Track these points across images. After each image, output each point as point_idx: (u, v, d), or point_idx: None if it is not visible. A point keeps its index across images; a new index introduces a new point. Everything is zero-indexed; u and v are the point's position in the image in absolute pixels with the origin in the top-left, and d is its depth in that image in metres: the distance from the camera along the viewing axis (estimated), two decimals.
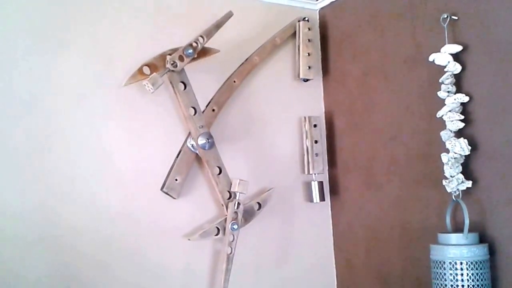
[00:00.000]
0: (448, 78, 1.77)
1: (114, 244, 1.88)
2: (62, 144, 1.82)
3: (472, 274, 1.63)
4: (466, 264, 1.63)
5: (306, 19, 2.31)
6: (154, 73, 1.86)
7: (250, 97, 2.22)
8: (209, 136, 2.00)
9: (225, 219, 2.01)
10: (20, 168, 1.74)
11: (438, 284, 1.68)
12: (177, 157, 2.00)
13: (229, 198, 2.04)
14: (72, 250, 1.80)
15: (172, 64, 1.91)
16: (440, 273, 1.67)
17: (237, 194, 2.03)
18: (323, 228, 2.37)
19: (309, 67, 2.28)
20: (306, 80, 2.33)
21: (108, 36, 1.94)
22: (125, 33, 1.97)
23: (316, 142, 2.29)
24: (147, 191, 1.96)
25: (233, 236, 2.00)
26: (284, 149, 2.29)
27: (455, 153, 1.73)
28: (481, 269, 1.63)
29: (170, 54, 1.95)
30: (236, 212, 2.01)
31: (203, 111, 2.05)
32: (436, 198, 1.88)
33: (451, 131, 1.76)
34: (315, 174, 2.27)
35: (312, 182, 2.26)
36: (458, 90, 1.78)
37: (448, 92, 1.77)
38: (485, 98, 1.73)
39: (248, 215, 2.09)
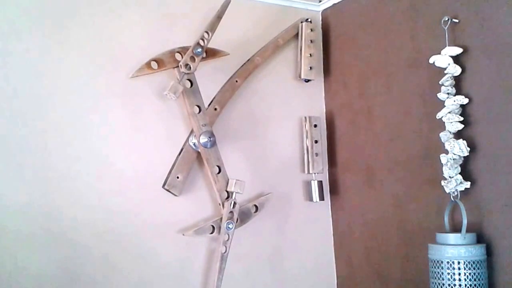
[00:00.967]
0: (448, 80, 1.79)
1: (114, 239, 1.90)
2: (64, 141, 1.83)
3: (470, 273, 1.65)
4: (464, 264, 1.65)
5: (309, 20, 2.34)
6: (173, 82, 1.90)
7: (251, 97, 2.24)
8: (211, 135, 2.01)
9: (221, 218, 2.03)
10: (22, 164, 1.76)
11: (435, 283, 1.70)
12: (179, 155, 2.02)
13: (226, 198, 2.05)
14: (73, 245, 1.82)
15: (186, 67, 1.94)
16: (438, 272, 1.69)
17: (234, 194, 2.04)
18: (323, 228, 2.38)
19: (311, 68, 2.30)
20: (307, 81, 2.34)
21: (111, 33, 1.95)
22: (129, 30, 1.99)
23: (316, 142, 2.30)
24: (148, 189, 1.97)
25: (228, 235, 2.01)
26: (284, 149, 2.30)
27: (454, 154, 1.75)
28: (478, 269, 1.65)
29: (179, 52, 1.98)
30: (232, 212, 2.02)
31: (206, 109, 2.06)
32: (434, 198, 1.89)
33: (450, 132, 1.78)
34: (315, 173, 2.29)
35: (312, 182, 2.28)
36: (458, 92, 1.80)
37: (448, 94, 1.79)
38: (484, 100, 1.75)
39: (245, 216, 2.11)
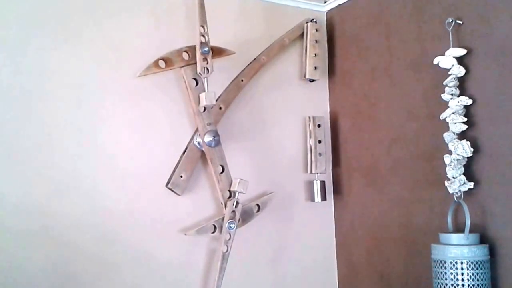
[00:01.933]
0: (452, 81, 1.80)
1: (114, 238, 1.90)
2: (67, 139, 1.84)
3: (472, 274, 1.65)
4: (467, 264, 1.66)
5: (314, 20, 2.34)
6: (206, 93, 1.96)
7: (256, 96, 2.24)
8: (216, 134, 2.02)
9: (223, 218, 2.03)
10: (24, 163, 1.76)
11: (438, 283, 1.71)
12: (183, 154, 2.03)
13: (229, 197, 2.06)
14: (72, 243, 1.82)
15: (206, 71, 1.98)
16: (441, 272, 1.70)
17: (236, 193, 2.04)
18: (325, 228, 2.39)
19: (316, 68, 2.31)
20: (312, 81, 2.35)
21: (116, 32, 1.96)
22: (134, 30, 1.99)
23: (319, 142, 2.31)
24: (151, 187, 1.98)
25: (230, 235, 2.02)
26: (288, 148, 2.31)
27: (458, 154, 1.75)
28: (481, 269, 1.66)
29: (186, 51, 1.99)
30: (234, 211, 2.03)
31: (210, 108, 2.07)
32: (438, 199, 1.90)
33: (454, 133, 1.79)
34: (317, 173, 2.29)
35: (314, 181, 2.28)
36: (462, 93, 1.80)
37: (452, 94, 1.80)
38: (488, 101, 1.76)
39: (247, 216, 2.11)
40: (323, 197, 2.28)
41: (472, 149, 1.75)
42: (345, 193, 2.36)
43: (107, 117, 1.92)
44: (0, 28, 1.77)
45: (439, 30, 1.91)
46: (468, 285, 1.65)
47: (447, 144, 1.79)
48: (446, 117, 1.80)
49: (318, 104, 2.41)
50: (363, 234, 2.25)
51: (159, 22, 2.04)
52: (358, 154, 2.28)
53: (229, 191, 2.06)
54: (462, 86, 1.82)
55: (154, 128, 2.00)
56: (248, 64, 2.19)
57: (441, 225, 1.86)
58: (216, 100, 2.08)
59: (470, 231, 1.71)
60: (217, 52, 2.06)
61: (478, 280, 1.65)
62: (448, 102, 1.80)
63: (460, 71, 1.80)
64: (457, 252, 1.68)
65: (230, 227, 2.01)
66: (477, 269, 1.66)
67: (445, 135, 1.80)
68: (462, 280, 1.66)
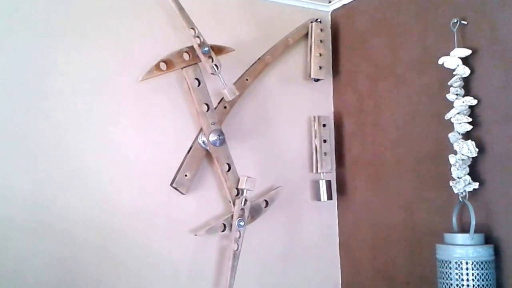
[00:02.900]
0: (457, 81, 1.80)
1: (122, 238, 1.91)
2: (73, 138, 1.85)
3: (478, 274, 1.65)
4: (472, 264, 1.66)
5: (319, 20, 2.34)
6: (229, 86, 2.00)
7: (261, 96, 2.25)
8: (220, 133, 2.03)
9: (232, 216, 2.04)
10: (33, 161, 1.77)
11: (444, 283, 1.71)
12: (187, 153, 2.03)
13: (237, 195, 2.07)
14: (79, 241, 1.83)
15: (216, 68, 1.98)
16: (446, 272, 1.70)
17: (244, 191, 2.06)
18: (329, 227, 2.39)
19: (320, 67, 2.31)
20: (316, 80, 2.35)
21: (124, 30, 1.97)
22: (142, 28, 2.00)
23: (324, 141, 2.31)
24: (156, 186, 1.98)
25: (240, 233, 2.03)
26: (293, 148, 2.31)
27: (463, 154, 1.75)
28: (486, 269, 1.66)
29: (186, 52, 1.99)
30: (243, 209, 2.04)
31: (215, 108, 2.08)
32: (443, 199, 1.90)
33: (459, 133, 1.79)
34: (323, 173, 2.29)
35: (320, 181, 2.28)
36: (467, 93, 1.81)
37: (457, 95, 1.80)
38: (493, 101, 1.76)
39: (255, 212, 2.12)
40: (329, 197, 2.28)
41: (477, 149, 1.75)
42: (349, 193, 2.36)
43: (114, 115, 1.92)
44: (8, 28, 1.78)
45: (444, 30, 1.91)
46: (473, 285, 1.65)
47: (452, 144, 1.79)
48: (451, 117, 1.80)
49: (322, 103, 2.41)
50: (367, 234, 2.25)
51: (165, 23, 2.04)
52: (362, 154, 2.28)
53: (237, 189, 2.07)
54: (467, 86, 1.82)
55: (159, 127, 2.01)
56: (253, 64, 2.19)
57: (446, 225, 1.86)
58: (221, 100, 2.10)
59: (475, 231, 1.71)
60: (216, 50, 2.04)
61: (483, 280, 1.65)
62: (453, 102, 1.80)
63: (465, 71, 1.80)
64: (462, 252, 1.68)
65: (240, 225, 2.02)
66: (482, 269, 1.66)
67: (450, 135, 1.81)
68: (467, 280, 1.66)
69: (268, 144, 2.25)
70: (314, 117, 2.32)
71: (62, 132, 1.83)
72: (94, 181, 1.87)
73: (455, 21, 1.84)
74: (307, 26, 2.34)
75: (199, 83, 2.02)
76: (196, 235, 2.01)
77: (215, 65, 1.98)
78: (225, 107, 2.10)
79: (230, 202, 2.07)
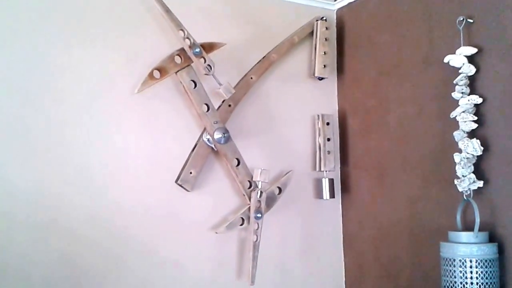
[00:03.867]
0: (462, 80, 1.80)
1: (126, 234, 1.92)
2: (78, 136, 1.85)
3: (482, 272, 1.66)
4: (476, 262, 1.66)
5: (324, 18, 2.35)
6: (225, 84, 1.98)
7: (265, 94, 2.25)
8: (225, 131, 2.03)
9: (249, 208, 2.06)
10: (38, 158, 1.78)
11: (447, 281, 1.71)
12: (192, 150, 2.03)
13: (249, 187, 2.08)
14: (84, 238, 1.84)
15: (209, 69, 1.97)
16: (450, 270, 1.70)
17: (259, 183, 2.08)
18: (333, 225, 2.39)
19: (325, 66, 2.31)
20: (321, 79, 2.36)
21: (129, 32, 1.98)
22: (146, 30, 2.01)
23: (328, 140, 2.31)
24: (161, 184, 1.99)
25: (258, 224, 2.06)
26: (296, 146, 2.32)
27: (468, 153, 1.76)
28: (490, 267, 1.66)
29: (178, 55, 1.96)
30: (259, 201, 2.06)
31: (220, 106, 2.08)
32: (447, 197, 1.90)
33: (464, 131, 1.79)
34: (326, 171, 2.30)
35: (323, 179, 2.29)
36: (472, 92, 1.81)
37: (462, 93, 1.80)
38: (498, 100, 1.76)
39: (270, 200, 2.14)
40: (332, 195, 2.29)
41: (482, 148, 1.75)
42: (353, 191, 2.36)
43: (118, 113, 1.93)
44: (13, 26, 1.79)
45: (449, 28, 1.91)
46: (477, 283, 1.65)
47: (457, 143, 1.79)
48: (456, 116, 1.81)
49: (327, 102, 2.42)
50: (371, 232, 2.25)
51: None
52: (366, 152, 2.29)
53: (249, 181, 2.08)
54: (473, 84, 1.82)
55: (164, 126, 2.02)
56: (258, 62, 2.19)
57: (450, 224, 1.86)
58: (225, 99, 2.10)
59: (479, 230, 1.71)
60: (208, 48, 2.02)
61: (487, 278, 1.65)
62: (458, 100, 1.80)
63: (470, 69, 1.80)
64: (466, 250, 1.68)
65: (257, 216, 2.06)
66: (486, 267, 1.66)
67: (455, 133, 1.81)
68: (471, 278, 1.66)
69: (272, 142, 2.26)
70: (318, 115, 2.32)
71: (67, 130, 1.84)
72: (99, 179, 1.88)
73: (461, 19, 1.84)
74: (312, 24, 2.34)
75: (195, 85, 2.00)
76: (217, 233, 2.03)
77: (208, 65, 1.97)
78: (229, 105, 2.10)
79: (244, 195, 2.09)
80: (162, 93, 2.01)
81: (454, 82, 1.82)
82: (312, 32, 2.34)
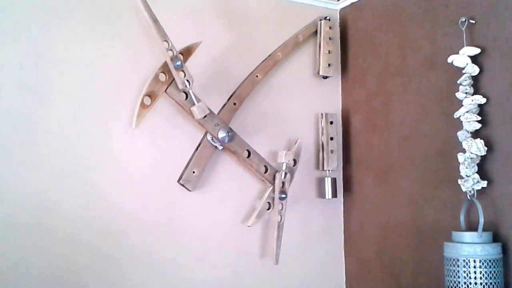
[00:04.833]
0: (466, 80, 1.80)
1: (126, 239, 1.92)
2: (78, 140, 1.86)
3: (486, 272, 1.66)
4: (480, 262, 1.66)
5: (328, 18, 2.35)
6: (197, 105, 1.92)
7: (270, 92, 2.26)
8: (229, 130, 2.03)
9: (272, 190, 2.11)
10: (36, 158, 1.78)
11: (451, 281, 1.71)
12: (196, 150, 2.04)
13: (265, 172, 2.12)
14: (80, 241, 1.84)
15: (188, 84, 1.91)
16: (454, 270, 1.71)
17: (284, 165, 2.13)
18: (334, 225, 2.39)
19: (329, 65, 2.32)
20: (325, 77, 2.36)
21: (134, 32, 1.98)
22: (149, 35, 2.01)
23: (331, 139, 2.31)
24: (162, 186, 1.99)
25: (282, 204, 2.12)
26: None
27: (472, 153, 1.76)
28: (494, 267, 1.67)
29: (162, 72, 1.93)
30: (283, 182, 2.11)
31: (224, 105, 2.09)
32: (450, 197, 1.90)
33: (468, 131, 1.79)
34: (329, 170, 2.30)
35: (326, 178, 2.29)
36: (476, 92, 1.81)
37: (466, 93, 1.80)
38: (502, 100, 1.76)
39: (289, 173, 2.18)
40: (334, 194, 2.29)
41: (486, 148, 1.75)
42: (355, 191, 2.36)
43: (118, 117, 1.93)
44: (19, 31, 1.80)
45: (452, 29, 1.91)
46: (481, 283, 1.66)
47: (461, 143, 1.79)
48: (460, 116, 1.81)
49: (330, 101, 2.42)
50: (373, 231, 2.26)
51: (178, 26, 2.06)
52: (369, 152, 2.29)
53: (265, 166, 2.13)
54: (476, 84, 1.82)
55: (168, 126, 2.02)
56: (263, 60, 2.20)
57: (453, 223, 1.86)
58: (231, 96, 2.11)
59: (483, 230, 1.71)
60: (186, 52, 1.97)
61: (491, 278, 1.66)
62: (462, 100, 1.81)
63: (474, 69, 1.80)
64: (470, 250, 1.68)
65: (282, 197, 2.12)
66: (490, 267, 1.66)
67: (459, 133, 1.81)
68: (475, 278, 1.66)
69: (276, 140, 2.26)
70: (322, 114, 2.33)
71: (67, 134, 1.84)
72: (98, 183, 1.88)
73: (464, 19, 1.85)
74: (316, 23, 2.35)
75: (187, 96, 1.97)
76: (249, 226, 2.07)
77: (187, 80, 1.91)
78: (234, 103, 2.10)
79: (263, 180, 2.13)
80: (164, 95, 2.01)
81: (458, 82, 1.82)
82: (316, 31, 2.35)
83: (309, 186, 2.34)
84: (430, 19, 2.02)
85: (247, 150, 2.09)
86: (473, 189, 1.77)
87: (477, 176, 1.76)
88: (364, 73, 2.33)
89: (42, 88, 1.81)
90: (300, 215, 2.30)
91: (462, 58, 1.82)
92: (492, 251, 1.68)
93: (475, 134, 1.79)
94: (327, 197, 2.29)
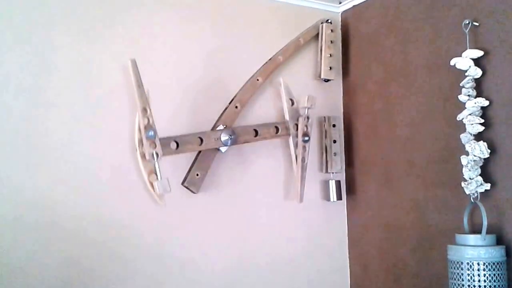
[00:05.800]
0: (468, 82, 1.80)
1: (132, 236, 1.92)
2: (83, 138, 1.86)
3: (489, 275, 1.66)
4: (484, 265, 1.66)
5: (329, 21, 2.35)
6: (157, 183, 1.83)
7: (272, 95, 2.25)
8: (232, 133, 2.03)
9: (296, 135, 2.18)
10: (43, 159, 1.79)
11: (455, 284, 1.71)
12: (199, 152, 2.03)
13: (276, 132, 2.17)
14: (89, 241, 1.84)
15: (156, 156, 1.84)
16: (458, 273, 1.70)
17: (306, 110, 2.17)
18: (339, 227, 2.39)
19: (330, 68, 2.32)
20: (327, 81, 2.36)
21: (137, 27, 1.99)
22: (156, 30, 2.02)
23: (334, 141, 2.32)
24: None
25: (305, 147, 2.19)
26: None
27: (475, 155, 1.76)
28: (498, 270, 1.66)
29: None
30: (306, 126, 2.19)
31: (226, 108, 2.09)
32: (454, 199, 1.90)
33: (471, 134, 1.79)
34: (333, 173, 2.30)
35: (330, 181, 2.29)
36: (479, 94, 1.81)
37: (469, 96, 1.80)
38: (505, 102, 1.76)
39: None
40: (339, 197, 2.29)
41: (489, 150, 1.75)
42: (358, 193, 2.36)
43: (125, 114, 1.93)
44: (20, 32, 1.80)
45: (455, 31, 1.91)
46: (485, 286, 1.65)
47: (464, 145, 1.79)
48: (463, 118, 1.81)
49: (332, 104, 2.42)
50: (376, 234, 2.25)
51: (183, 28, 2.06)
52: (372, 154, 2.29)
53: (275, 127, 2.17)
54: (479, 87, 1.82)
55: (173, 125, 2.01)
56: (264, 64, 2.19)
57: (456, 226, 1.86)
58: (232, 100, 2.11)
59: (487, 232, 1.71)
60: None
61: (495, 281, 1.65)
62: (465, 103, 1.81)
63: (477, 72, 1.80)
64: (474, 253, 1.68)
65: (305, 140, 2.18)
66: (494, 270, 1.66)
67: (462, 136, 1.81)
68: (479, 281, 1.66)
69: (278, 142, 2.25)
70: (324, 117, 2.33)
71: (72, 132, 1.84)
72: (104, 181, 1.88)
73: (467, 22, 1.85)
74: (317, 27, 2.35)
75: (178, 145, 1.93)
76: (300, 202, 2.17)
77: (156, 153, 1.83)
78: (236, 106, 2.10)
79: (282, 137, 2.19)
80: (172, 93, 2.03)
81: (461, 84, 1.82)
82: (318, 34, 2.35)
83: (313, 189, 2.33)
84: (433, 21, 2.02)
85: (254, 130, 2.11)
86: (476, 191, 1.77)
87: (480, 178, 1.76)
88: (366, 76, 2.33)
89: (48, 91, 1.82)
90: (305, 217, 2.30)
91: (465, 60, 1.82)
92: (496, 253, 1.67)
93: (478, 137, 1.79)
94: (332, 200, 2.29)
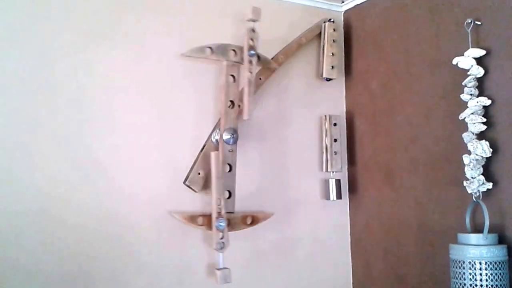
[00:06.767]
0: (471, 81, 1.80)
1: (136, 231, 1.92)
2: (88, 133, 1.86)
3: (491, 274, 1.66)
4: (485, 264, 1.66)
5: (332, 20, 2.35)
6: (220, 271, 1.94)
7: (274, 94, 2.26)
8: (234, 132, 2.03)
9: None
10: (47, 155, 1.79)
11: (457, 283, 1.71)
12: (201, 151, 2.04)
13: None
14: (94, 235, 1.84)
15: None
16: (460, 272, 1.70)
17: (252, 24, 2.09)
18: (340, 226, 2.39)
19: (333, 67, 2.31)
20: (329, 80, 2.35)
21: (142, 26, 1.99)
22: (159, 28, 2.03)
23: (335, 140, 2.31)
24: (170, 180, 1.99)
25: (252, 61, 2.07)
26: (304, 146, 2.31)
27: (477, 155, 1.76)
28: (500, 269, 1.66)
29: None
30: (252, 39, 2.08)
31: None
32: (456, 199, 1.90)
33: (473, 133, 1.79)
34: (333, 172, 2.30)
35: (330, 180, 2.29)
36: (481, 94, 1.81)
37: (471, 95, 1.80)
38: (507, 101, 1.76)
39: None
40: (339, 196, 2.28)
41: (491, 150, 1.75)
42: (360, 192, 2.36)
43: (129, 110, 1.94)
44: (20, 31, 1.80)
45: (458, 30, 1.91)
46: (487, 285, 1.65)
47: (466, 144, 1.79)
48: (465, 117, 1.81)
49: (334, 103, 2.42)
50: (379, 233, 2.25)
51: (188, 24, 2.09)
52: (374, 153, 2.29)
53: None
54: (481, 86, 1.82)
55: (174, 125, 2.02)
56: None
57: (458, 225, 1.86)
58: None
59: (489, 231, 1.71)
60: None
61: (497, 280, 1.65)
62: (467, 102, 1.81)
63: (479, 71, 1.80)
64: (476, 253, 1.68)
65: (251, 54, 2.06)
66: (496, 269, 1.66)
67: (464, 135, 1.81)
68: (481, 280, 1.66)
69: (280, 142, 2.25)
70: (325, 116, 2.32)
71: (76, 127, 1.84)
72: (108, 176, 1.88)
73: (469, 21, 1.84)
74: (320, 26, 2.34)
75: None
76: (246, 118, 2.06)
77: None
78: (238, 106, 2.10)
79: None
80: (173, 94, 2.03)
81: (463, 83, 1.82)
82: (320, 33, 2.35)
83: (313, 188, 2.33)
84: (435, 20, 2.02)
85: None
86: (478, 190, 1.77)
87: (482, 177, 1.76)
88: (368, 75, 2.33)
89: (54, 86, 1.82)
90: (306, 216, 2.29)
91: (467, 60, 1.81)
92: (498, 253, 1.67)
93: (480, 136, 1.79)
94: (331, 199, 2.28)
